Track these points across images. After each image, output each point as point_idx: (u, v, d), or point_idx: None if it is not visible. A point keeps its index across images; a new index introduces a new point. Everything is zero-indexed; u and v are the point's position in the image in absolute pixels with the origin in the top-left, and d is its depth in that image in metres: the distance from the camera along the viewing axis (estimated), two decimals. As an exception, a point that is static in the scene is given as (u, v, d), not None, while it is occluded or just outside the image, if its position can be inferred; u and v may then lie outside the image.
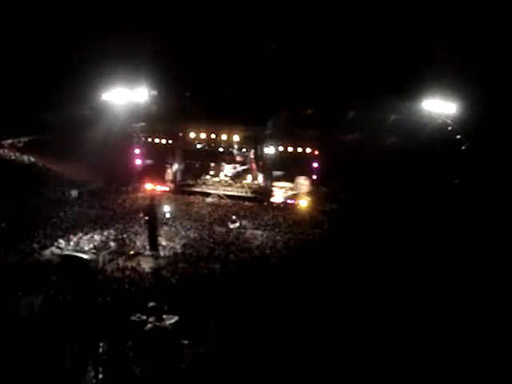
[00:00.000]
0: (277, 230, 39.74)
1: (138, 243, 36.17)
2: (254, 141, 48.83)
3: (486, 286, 26.52)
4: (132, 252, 34.78)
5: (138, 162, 51.22)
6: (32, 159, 52.84)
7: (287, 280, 29.49)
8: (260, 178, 50.38)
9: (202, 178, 52.97)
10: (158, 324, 23.58)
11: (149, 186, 49.87)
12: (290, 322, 23.86)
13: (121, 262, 33.00)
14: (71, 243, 35.80)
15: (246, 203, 47.34)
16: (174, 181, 51.75)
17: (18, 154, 53.09)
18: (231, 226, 40.59)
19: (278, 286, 28.65)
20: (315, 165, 45.46)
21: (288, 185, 48.34)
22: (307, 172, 46.49)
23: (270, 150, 47.67)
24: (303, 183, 47.53)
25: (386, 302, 25.20)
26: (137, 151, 51.14)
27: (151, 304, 25.36)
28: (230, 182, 51.56)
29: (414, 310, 24.29)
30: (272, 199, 47.46)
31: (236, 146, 50.26)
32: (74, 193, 47.82)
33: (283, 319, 24.27)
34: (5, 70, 52.80)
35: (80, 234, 37.63)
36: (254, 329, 24.13)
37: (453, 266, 28.68)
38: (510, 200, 35.99)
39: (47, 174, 50.74)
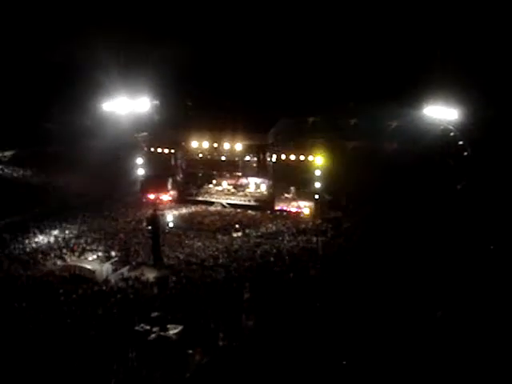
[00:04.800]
0: (280, 238, 39.62)
1: (142, 253, 36.16)
2: (256, 149, 48.79)
3: (486, 287, 26.49)
4: (135, 262, 34.76)
5: (141, 171, 51.20)
6: (35, 170, 52.89)
7: (292, 288, 29.44)
8: (263, 187, 50.33)
9: (205, 187, 52.94)
10: (162, 334, 23.52)
11: (152, 196, 49.84)
12: (294, 330, 23.77)
13: (124, 271, 32.97)
14: (75, 254, 35.81)
15: (249, 212, 47.25)
16: (176, 190, 51.71)
17: (20, 166, 53.16)
18: (234, 235, 40.54)
19: (283, 294, 28.60)
20: (318, 172, 45.34)
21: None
22: (310, 180, 46.33)
23: (272, 159, 47.67)
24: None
25: (389, 307, 25.13)
26: (139, 161, 51.12)
27: (155, 314, 25.32)
28: (233, 190, 51.52)
29: (415, 314, 24.24)
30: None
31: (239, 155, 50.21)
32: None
33: (288, 328, 24.19)
34: (6, 81, 53.04)
35: (84, 245, 37.65)
36: (258, 337, 24.05)
37: (455, 271, 28.61)
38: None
39: (50, 185, 50.78)
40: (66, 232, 40.53)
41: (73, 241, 38.54)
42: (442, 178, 44.71)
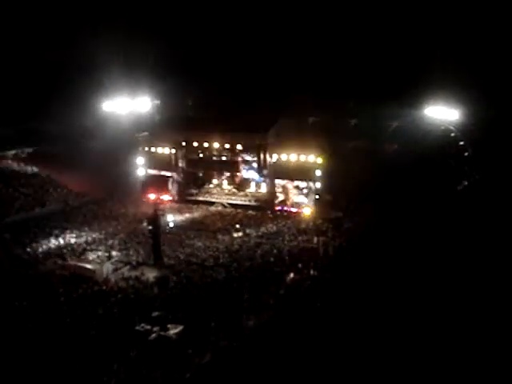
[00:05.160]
0: (281, 238, 39.59)
1: (142, 253, 36.15)
2: (257, 149, 48.77)
3: (486, 286, 26.50)
4: (136, 261, 34.74)
5: (142, 171, 51.22)
6: (35, 170, 52.92)
7: (292, 288, 29.46)
8: (263, 187, 50.30)
9: (206, 186, 52.92)
10: (162, 333, 23.51)
11: (152, 196, 49.83)
12: (295, 330, 23.75)
13: (125, 271, 32.97)
14: (75, 253, 35.80)
15: (250, 212, 47.23)
16: (177, 190, 51.72)
17: (21, 165, 53.18)
18: (235, 235, 40.49)
19: (282, 294, 28.63)
20: (319, 172, 45.34)
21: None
22: (310, 180, 46.32)
23: (273, 158, 47.67)
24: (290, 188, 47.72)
25: (390, 306, 25.12)
26: (140, 161, 51.15)
27: (155, 313, 25.32)
28: (234, 190, 51.51)
29: (416, 312, 24.23)
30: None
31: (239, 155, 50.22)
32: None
33: (288, 328, 24.17)
34: (6, 80, 53.03)
35: (84, 244, 37.65)
36: (259, 337, 24.03)
37: (456, 271, 28.60)
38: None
39: (51, 185, 50.78)
40: (67, 232, 40.52)
41: (73, 240, 38.54)
42: (443, 179, 44.66)
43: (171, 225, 41.86)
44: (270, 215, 46.22)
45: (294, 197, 47.61)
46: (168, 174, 51.74)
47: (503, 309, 24.21)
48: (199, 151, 51.06)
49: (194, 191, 52.30)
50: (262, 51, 60.72)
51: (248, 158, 49.99)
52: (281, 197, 48.17)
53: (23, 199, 46.73)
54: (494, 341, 21.69)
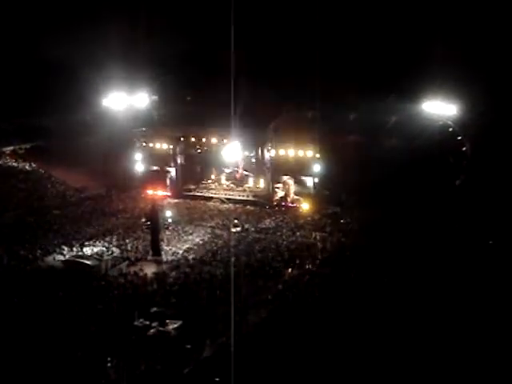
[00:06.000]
0: (279, 233, 39.63)
1: (141, 248, 36.19)
2: (255, 144, 48.77)
3: (485, 281, 26.56)
4: (134, 257, 34.77)
5: (140, 167, 51.19)
6: (33, 166, 52.81)
7: (291, 283, 29.53)
8: (261, 182, 50.32)
9: (204, 182, 52.93)
10: (161, 329, 23.57)
11: (150, 191, 49.79)
12: (294, 326, 23.81)
13: (123, 267, 33.00)
14: (74, 249, 35.83)
15: (248, 207, 47.28)
16: (175, 185, 51.69)
17: (19, 161, 53.08)
18: (233, 230, 40.51)
19: (280, 289, 28.70)
20: (317, 167, 45.37)
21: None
22: (309, 175, 46.33)
23: (271, 154, 47.66)
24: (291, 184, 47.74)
25: (389, 303, 25.17)
26: (138, 156, 51.12)
27: (154, 309, 25.38)
28: (232, 185, 51.53)
29: (415, 311, 24.28)
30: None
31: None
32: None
33: (288, 324, 24.23)
34: (4, 76, 52.90)
35: (82, 240, 37.65)
36: (257, 333, 24.09)
37: (455, 268, 28.66)
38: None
39: (49, 181, 50.73)
40: (65, 227, 40.51)
41: (72, 236, 38.53)
42: (441, 174, 44.69)
43: (169, 220, 41.89)
44: (269, 210, 46.27)
45: (293, 192, 47.68)
46: (166, 169, 51.75)
47: (503, 304, 24.30)
48: (197, 146, 51.09)
49: (193, 186, 52.31)
50: (261, 46, 60.56)
51: (246, 153, 50.03)
52: (280, 192, 48.23)
53: (21, 195, 46.66)
54: (493, 338, 21.76)
